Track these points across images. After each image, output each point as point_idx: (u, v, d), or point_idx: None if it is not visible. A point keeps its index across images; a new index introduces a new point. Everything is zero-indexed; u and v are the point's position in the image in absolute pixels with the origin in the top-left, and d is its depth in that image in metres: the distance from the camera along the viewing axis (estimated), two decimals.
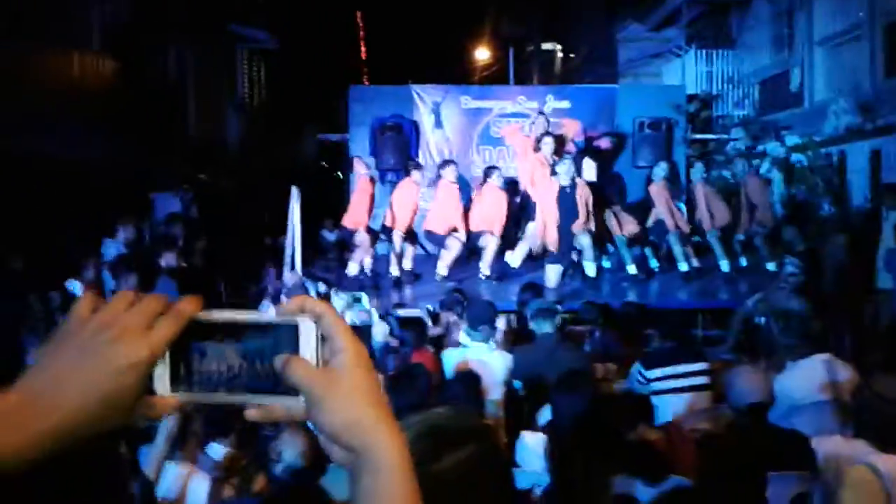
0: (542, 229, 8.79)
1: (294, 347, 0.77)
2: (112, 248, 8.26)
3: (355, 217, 9.34)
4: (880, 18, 10.50)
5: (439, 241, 9.37)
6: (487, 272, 9.18)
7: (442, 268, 9.16)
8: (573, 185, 8.72)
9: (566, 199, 8.64)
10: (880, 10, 10.51)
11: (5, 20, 8.81)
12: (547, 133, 9.78)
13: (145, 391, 0.75)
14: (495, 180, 9.45)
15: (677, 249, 9.39)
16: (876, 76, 10.55)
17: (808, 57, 12.61)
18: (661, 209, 9.09)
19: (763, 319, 6.51)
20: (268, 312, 0.79)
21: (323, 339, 0.77)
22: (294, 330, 0.77)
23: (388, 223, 9.61)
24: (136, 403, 0.74)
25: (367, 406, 0.77)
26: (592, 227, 8.79)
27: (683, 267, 9.29)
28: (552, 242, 8.70)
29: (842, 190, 10.30)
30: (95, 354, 0.72)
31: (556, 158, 9.33)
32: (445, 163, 9.99)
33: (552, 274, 8.86)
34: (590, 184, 9.49)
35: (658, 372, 4.90)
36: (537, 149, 9.49)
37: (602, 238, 9.37)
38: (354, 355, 0.77)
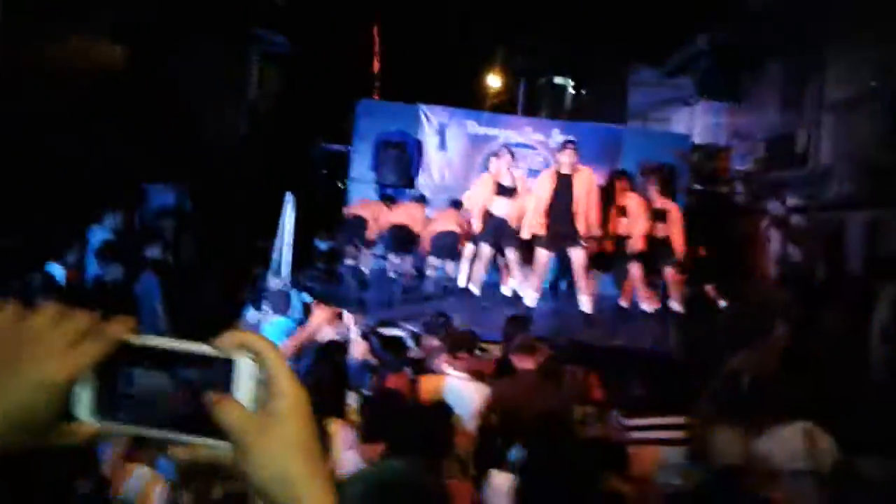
0: (534, 212, 8.63)
1: (228, 386, 0.70)
2: (99, 235, 8.18)
3: None
4: (890, 88, 10.55)
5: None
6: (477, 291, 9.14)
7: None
8: (570, 175, 8.51)
9: (562, 185, 8.48)
10: (892, 81, 10.56)
11: (19, 8, 8.77)
12: (505, 146, 9.81)
13: (63, 415, 0.68)
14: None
15: (675, 289, 9.38)
16: (881, 146, 10.57)
17: (816, 120, 12.66)
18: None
19: (747, 378, 6.44)
20: (204, 344, 0.72)
21: (262, 380, 0.70)
22: (230, 366, 0.71)
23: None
24: (51, 427, 0.68)
25: (300, 460, 0.70)
26: (592, 218, 8.56)
27: (677, 307, 9.29)
28: (542, 226, 8.53)
29: (839, 257, 10.28)
30: (9, 371, 0.66)
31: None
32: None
33: (542, 258, 8.71)
34: None
35: (636, 421, 4.82)
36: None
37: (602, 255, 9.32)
38: (293, 402, 0.71)
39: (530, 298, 8.82)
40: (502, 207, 9.15)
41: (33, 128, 8.63)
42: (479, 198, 9.40)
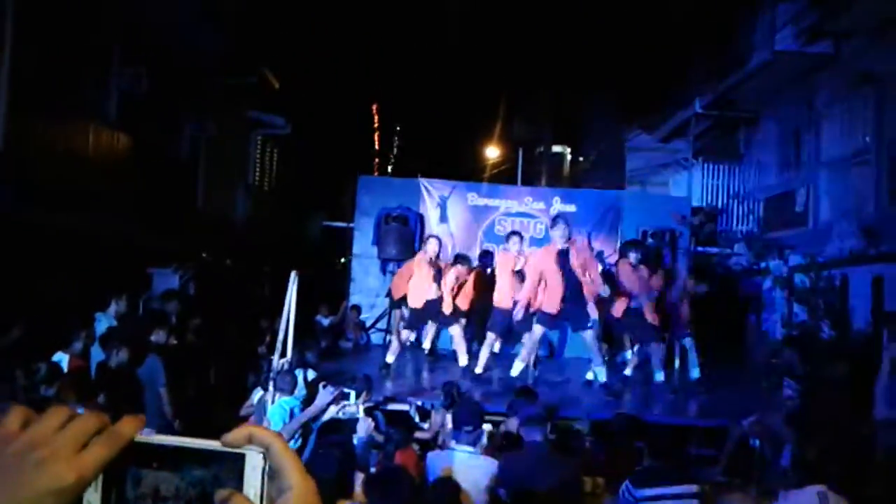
0: (533, 290, 8.62)
1: (237, 482, 0.70)
2: (104, 322, 8.20)
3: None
4: (887, 145, 10.65)
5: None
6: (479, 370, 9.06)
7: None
8: (567, 250, 8.54)
9: (560, 259, 8.49)
10: (887, 137, 10.67)
11: (22, 91, 8.99)
12: (514, 233, 9.81)
13: None
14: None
15: (692, 355, 9.34)
16: (881, 202, 10.62)
17: (814, 178, 12.75)
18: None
19: (757, 442, 6.36)
20: (213, 441, 0.73)
21: (271, 473, 0.71)
22: (239, 462, 0.71)
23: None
24: None
25: None
26: (596, 290, 8.55)
27: (695, 374, 9.25)
28: (543, 302, 8.54)
29: (843, 314, 10.24)
30: (18, 476, 0.66)
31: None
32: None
33: (537, 334, 8.70)
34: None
35: (648, 492, 4.74)
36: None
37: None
38: (302, 496, 0.71)
39: (517, 370, 8.81)
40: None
41: (39, 214, 8.74)
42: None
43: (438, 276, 9.32)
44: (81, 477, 0.67)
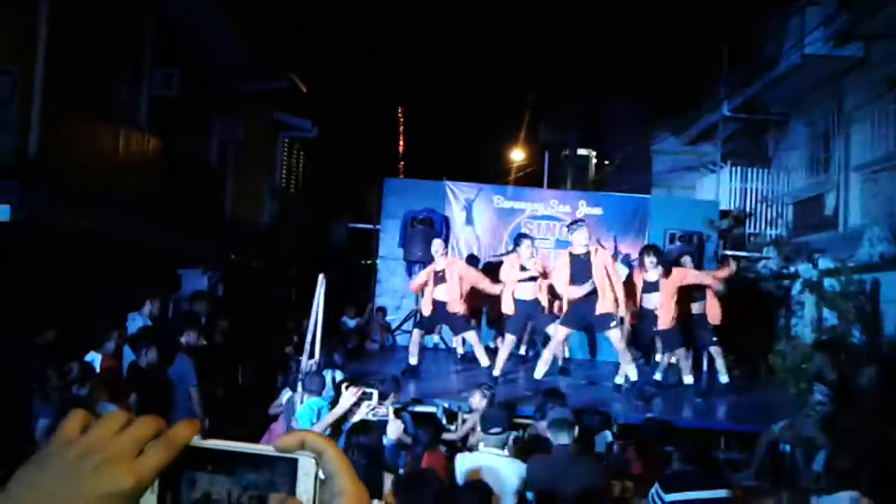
0: (555, 290, 8.73)
1: (290, 486, 0.71)
2: (138, 322, 8.31)
3: None
4: None
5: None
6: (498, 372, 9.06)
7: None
8: (587, 254, 8.60)
9: (578, 265, 8.55)
10: None
11: (55, 95, 9.11)
12: (524, 236, 9.78)
13: None
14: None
15: (719, 361, 9.30)
16: None
17: (844, 182, 12.61)
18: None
19: (788, 447, 6.31)
20: (266, 446, 0.74)
21: (323, 478, 0.72)
22: (292, 466, 0.72)
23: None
24: None
25: None
26: (616, 297, 8.59)
27: (724, 379, 9.20)
28: (561, 305, 8.62)
29: (874, 319, 10.11)
30: (78, 480, 0.67)
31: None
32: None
33: (560, 335, 8.73)
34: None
35: (677, 496, 4.72)
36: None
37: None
38: (353, 500, 0.72)
39: (539, 372, 8.83)
40: (528, 291, 9.21)
41: (71, 217, 8.85)
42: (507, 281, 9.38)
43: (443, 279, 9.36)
44: (140, 481, 0.68)
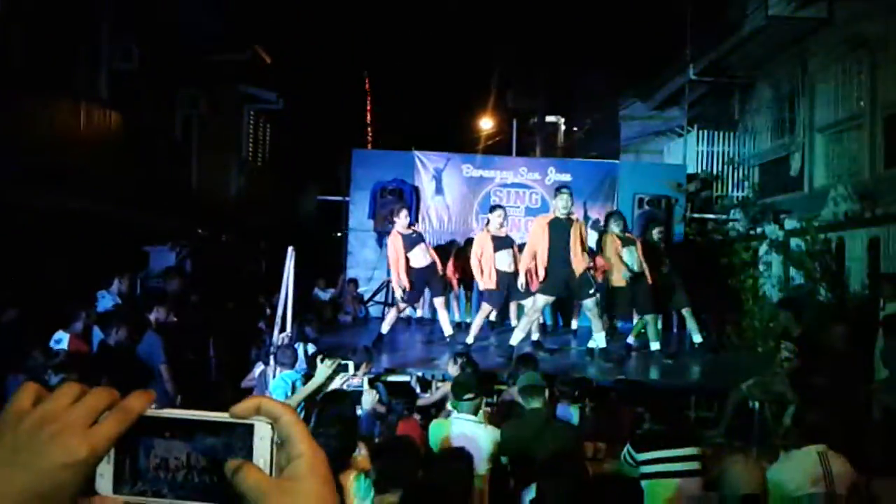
0: (531, 259, 8.62)
1: (247, 451, 0.72)
2: (108, 300, 8.21)
3: None
4: (881, 109, 10.63)
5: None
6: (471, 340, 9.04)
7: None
8: (569, 219, 8.53)
9: (559, 228, 8.45)
10: (881, 101, 10.65)
11: (11, 71, 8.90)
12: (498, 206, 9.73)
13: (86, 491, 0.70)
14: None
15: (691, 322, 9.37)
16: (875, 165, 10.63)
17: (809, 143, 12.74)
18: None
19: (757, 404, 6.43)
20: (223, 413, 0.74)
21: (279, 442, 0.72)
22: (249, 432, 0.72)
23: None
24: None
25: None
26: (588, 265, 8.61)
27: (697, 338, 9.28)
28: (541, 271, 8.52)
29: (839, 277, 10.28)
30: (32, 452, 0.67)
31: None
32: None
33: (541, 302, 8.71)
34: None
35: (648, 455, 4.79)
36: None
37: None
38: (311, 463, 0.71)
39: (516, 339, 8.76)
40: (505, 262, 9.15)
41: (30, 195, 8.71)
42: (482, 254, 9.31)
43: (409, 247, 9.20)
44: (94, 450, 0.68)
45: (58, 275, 9.04)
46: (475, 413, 5.35)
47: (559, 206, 8.48)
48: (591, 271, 8.82)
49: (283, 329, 7.60)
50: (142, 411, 0.72)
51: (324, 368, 5.88)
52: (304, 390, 5.90)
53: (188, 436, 0.72)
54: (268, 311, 9.95)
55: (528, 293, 8.86)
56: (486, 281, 9.11)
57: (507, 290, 9.11)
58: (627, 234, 9.48)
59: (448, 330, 9.26)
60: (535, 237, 8.54)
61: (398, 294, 9.09)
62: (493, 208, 9.69)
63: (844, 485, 4.15)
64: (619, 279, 9.08)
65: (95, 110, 10.89)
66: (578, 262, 8.39)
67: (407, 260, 9.02)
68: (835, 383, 6.22)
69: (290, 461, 0.72)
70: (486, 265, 9.09)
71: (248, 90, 16.51)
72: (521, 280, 8.67)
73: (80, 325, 7.37)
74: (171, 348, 7.26)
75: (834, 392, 6.08)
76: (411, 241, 9.10)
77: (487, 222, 9.61)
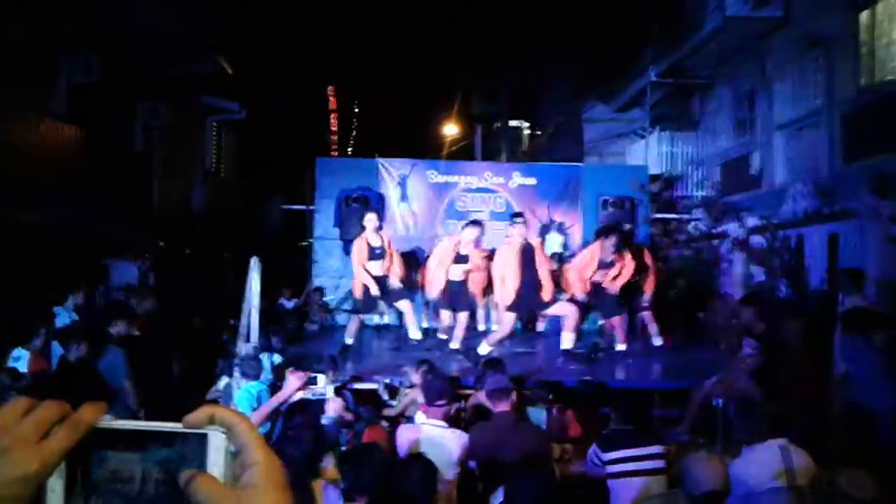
0: (500, 283, 8.74)
1: (201, 461, 0.71)
2: (64, 317, 8.08)
3: None
4: (838, 107, 10.82)
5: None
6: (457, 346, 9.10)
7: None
8: (529, 244, 8.74)
9: (525, 254, 8.64)
10: (838, 99, 10.84)
11: None
12: (475, 222, 9.78)
13: None
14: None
15: (652, 327, 9.47)
16: (834, 162, 10.81)
17: (768, 141, 12.94)
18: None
19: (720, 401, 6.48)
20: (176, 423, 0.73)
21: (234, 451, 0.71)
22: (203, 441, 0.71)
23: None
24: None
25: None
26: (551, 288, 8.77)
27: (657, 342, 9.38)
28: (508, 294, 8.65)
29: (799, 273, 10.43)
30: None
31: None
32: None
33: (509, 320, 8.81)
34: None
35: (614, 454, 4.81)
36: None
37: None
38: (266, 472, 0.71)
39: (485, 349, 8.83)
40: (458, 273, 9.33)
41: None
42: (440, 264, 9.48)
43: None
44: (44, 464, 0.67)
45: (14, 290, 8.87)
46: (444, 418, 5.34)
47: (515, 234, 8.66)
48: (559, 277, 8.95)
49: (247, 340, 7.53)
50: (93, 423, 0.71)
51: (293, 381, 5.84)
52: (272, 402, 5.85)
53: (141, 447, 0.71)
54: (232, 322, 9.86)
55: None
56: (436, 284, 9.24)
57: (452, 299, 9.30)
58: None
59: (415, 334, 9.28)
60: (503, 264, 8.68)
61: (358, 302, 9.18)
62: (471, 223, 9.67)
63: (806, 478, 4.21)
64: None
65: (54, 125, 10.73)
66: (547, 283, 8.58)
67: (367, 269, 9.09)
68: (795, 378, 6.30)
69: (245, 470, 0.71)
70: (441, 269, 9.26)
71: (210, 101, 16.39)
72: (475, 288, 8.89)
73: (39, 342, 7.23)
74: (133, 363, 7.16)
75: (794, 387, 6.16)
76: (374, 254, 9.17)
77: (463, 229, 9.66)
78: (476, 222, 9.67)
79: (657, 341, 9.49)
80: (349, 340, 9.34)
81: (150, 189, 14.11)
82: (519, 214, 9.35)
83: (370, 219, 9.29)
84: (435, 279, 9.46)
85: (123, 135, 13.33)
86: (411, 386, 7.01)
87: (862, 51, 10.43)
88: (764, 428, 4.50)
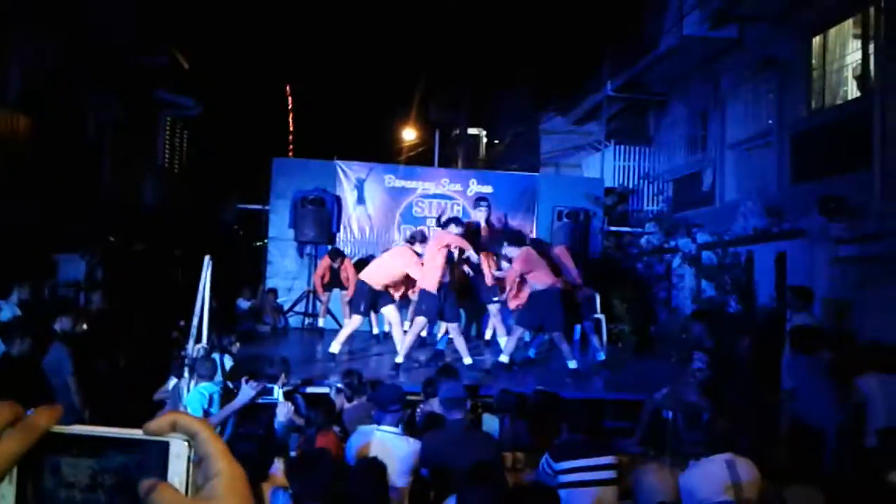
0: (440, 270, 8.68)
1: (162, 470, 0.67)
2: (6, 311, 7.86)
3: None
4: (788, 128, 11.08)
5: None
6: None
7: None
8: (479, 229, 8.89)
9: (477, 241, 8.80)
10: (788, 120, 11.10)
11: None
12: (455, 219, 9.69)
13: None
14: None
15: (595, 339, 9.52)
16: (783, 181, 11.05)
17: (720, 159, 13.18)
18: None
19: (670, 413, 6.57)
20: (135, 430, 0.69)
21: (196, 460, 0.68)
22: (163, 449, 0.68)
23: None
24: None
25: None
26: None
27: (601, 356, 9.40)
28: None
29: (749, 289, 10.64)
30: None
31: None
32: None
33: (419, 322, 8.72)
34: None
35: (566, 464, 4.84)
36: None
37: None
38: (229, 482, 0.68)
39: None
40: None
41: None
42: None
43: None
44: None
45: None
46: (396, 425, 5.32)
47: (480, 217, 8.72)
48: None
49: (198, 340, 7.41)
50: (47, 428, 0.67)
51: (247, 390, 5.76)
52: (226, 410, 5.77)
53: (98, 454, 0.67)
54: (182, 321, 9.69)
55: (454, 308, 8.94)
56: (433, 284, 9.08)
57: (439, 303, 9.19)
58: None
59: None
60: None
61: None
62: (450, 221, 9.44)
63: (753, 492, 4.28)
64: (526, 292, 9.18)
65: (3, 114, 10.45)
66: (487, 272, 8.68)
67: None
68: (743, 393, 6.42)
69: (207, 480, 0.68)
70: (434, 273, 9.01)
71: (165, 96, 16.12)
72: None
73: None
74: (79, 360, 6.99)
75: (743, 401, 6.27)
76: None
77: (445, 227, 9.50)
78: (456, 220, 9.36)
79: (601, 356, 9.41)
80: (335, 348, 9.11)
81: (100, 183, 13.82)
82: (483, 198, 9.37)
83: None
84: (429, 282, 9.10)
85: (75, 126, 13.04)
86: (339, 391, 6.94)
87: (813, 75, 10.70)
88: (712, 442, 4.57)
